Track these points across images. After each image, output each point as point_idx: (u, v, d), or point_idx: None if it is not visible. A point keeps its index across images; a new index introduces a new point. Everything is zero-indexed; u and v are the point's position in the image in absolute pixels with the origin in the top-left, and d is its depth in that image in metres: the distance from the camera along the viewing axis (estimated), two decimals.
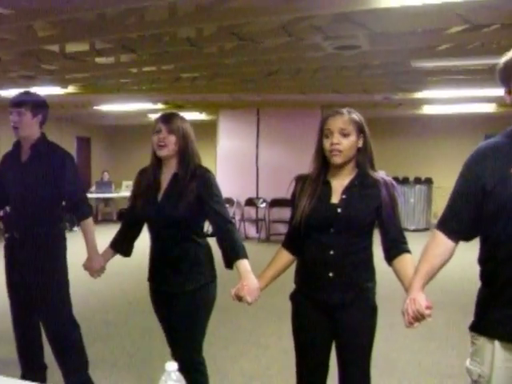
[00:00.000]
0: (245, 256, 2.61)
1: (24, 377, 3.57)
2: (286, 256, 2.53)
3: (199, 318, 2.75)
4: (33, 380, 3.47)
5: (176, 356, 2.82)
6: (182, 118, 2.79)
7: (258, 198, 11.29)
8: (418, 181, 12.76)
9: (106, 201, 14.42)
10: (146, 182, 2.81)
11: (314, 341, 2.43)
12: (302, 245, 2.43)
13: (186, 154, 2.72)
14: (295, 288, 2.49)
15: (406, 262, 2.29)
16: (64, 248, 3.47)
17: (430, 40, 5.16)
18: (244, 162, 11.28)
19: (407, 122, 13.15)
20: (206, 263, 2.76)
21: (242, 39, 5.07)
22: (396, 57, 5.89)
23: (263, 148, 11.22)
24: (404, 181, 12.66)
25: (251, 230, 11.41)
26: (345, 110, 2.34)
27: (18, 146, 3.44)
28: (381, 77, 7.31)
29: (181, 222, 2.69)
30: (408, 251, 2.33)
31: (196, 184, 2.67)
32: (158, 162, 2.79)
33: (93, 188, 14.04)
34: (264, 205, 11.18)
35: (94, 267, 3.08)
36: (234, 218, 11.06)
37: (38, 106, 3.38)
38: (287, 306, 2.53)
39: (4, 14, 4.59)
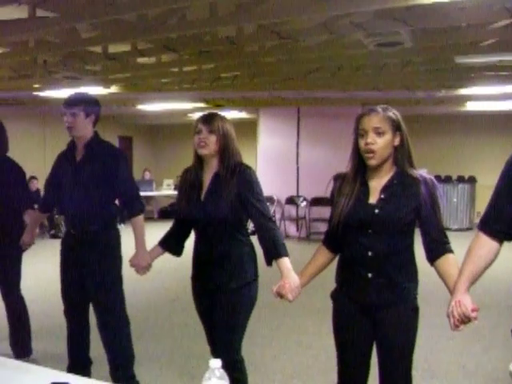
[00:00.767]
0: (286, 254, 2.61)
1: (70, 370, 3.66)
2: (325, 254, 2.52)
3: (240, 317, 2.76)
4: (79, 374, 3.57)
5: (216, 354, 2.84)
6: (223, 118, 2.81)
7: (298, 196, 11.26)
8: (461, 179, 12.50)
9: (147, 199, 14.56)
10: (190, 181, 2.85)
11: (355, 340, 2.40)
12: (342, 244, 2.41)
13: (226, 153, 2.74)
14: (336, 287, 2.47)
15: (449, 262, 2.24)
16: (118, 245, 3.55)
17: (474, 35, 5.04)
18: (284, 161, 11.26)
19: (450, 119, 12.90)
20: (249, 261, 2.78)
21: (282, 37, 5.06)
22: (439, 53, 5.78)
23: (304, 146, 11.18)
24: (446, 179, 12.42)
25: (291, 229, 11.38)
26: (379, 108, 2.29)
27: (72, 145, 3.54)
28: (423, 73, 7.19)
29: (223, 221, 2.71)
30: (451, 251, 2.28)
31: (237, 182, 2.68)
32: (200, 162, 2.83)
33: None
34: (304, 203, 11.15)
35: (140, 264, 3.14)
36: (274, 216, 11.03)
37: (91, 105, 3.47)
38: (328, 305, 2.51)
39: (49, 18, 4.70)
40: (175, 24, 4.93)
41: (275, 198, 11.28)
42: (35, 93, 8.30)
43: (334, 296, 2.47)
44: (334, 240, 2.46)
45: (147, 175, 14.52)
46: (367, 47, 5.12)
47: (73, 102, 3.39)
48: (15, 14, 4.86)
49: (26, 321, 4.25)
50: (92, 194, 3.39)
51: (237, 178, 2.69)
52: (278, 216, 11.22)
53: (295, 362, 4.34)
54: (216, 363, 1.51)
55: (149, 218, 13.90)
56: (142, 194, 13.24)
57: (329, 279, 2.52)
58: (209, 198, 2.75)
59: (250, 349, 4.24)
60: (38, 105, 10.48)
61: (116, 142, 15.10)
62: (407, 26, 4.36)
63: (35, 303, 4.78)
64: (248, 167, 2.78)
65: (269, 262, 2.65)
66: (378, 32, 4.59)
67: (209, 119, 2.76)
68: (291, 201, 11.32)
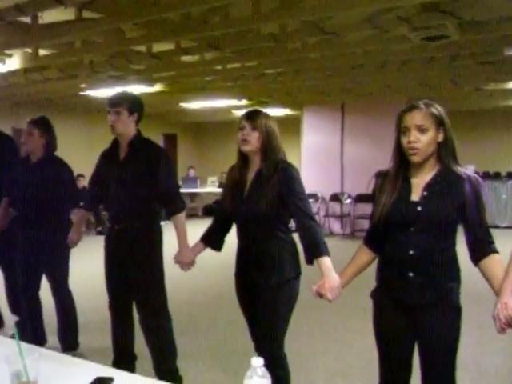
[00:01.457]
0: (326, 253, 2.59)
1: (115, 364, 3.72)
2: (366, 253, 2.47)
3: (281, 313, 2.76)
4: (123, 368, 3.63)
5: (259, 350, 2.84)
6: (266, 115, 2.81)
7: (342, 193, 11.17)
8: (510, 176, 12.14)
9: (192, 196, 14.73)
10: (233, 178, 2.86)
11: (396, 340, 2.36)
12: (383, 242, 2.36)
13: (269, 150, 2.73)
14: (376, 286, 2.43)
15: (495, 263, 2.17)
16: (160, 241, 3.60)
17: None
18: (329, 157, 11.19)
19: (499, 114, 12.55)
20: (289, 259, 2.76)
21: (325, 33, 5.02)
22: (487, 46, 5.62)
23: (348, 143, 11.07)
24: (495, 176, 12.09)
25: (336, 226, 11.30)
26: (421, 104, 2.22)
27: (115, 143, 3.59)
28: (471, 67, 7.00)
29: (264, 218, 2.70)
30: (496, 251, 2.21)
31: (278, 179, 2.67)
32: (243, 159, 2.83)
33: (179, 183, 14.38)
34: (349, 200, 11.05)
35: (184, 261, 3.16)
36: (318, 213, 11.03)
37: (134, 104, 3.50)
38: (370, 303, 2.47)
39: (94, 19, 4.78)
40: (218, 22, 4.95)
41: (319, 195, 11.22)
42: (82, 92, 8.47)
43: (374, 295, 2.43)
44: (375, 239, 2.42)
45: (191, 172, 14.65)
46: (413, 41, 5.03)
47: (116, 101, 3.44)
48: (62, 17, 4.97)
49: (74, 315, 4.34)
50: (134, 191, 3.44)
51: (278, 176, 2.68)
52: (322, 213, 11.16)
53: (338, 360, 4.31)
54: (258, 361, 1.50)
55: (193, 215, 14.03)
56: (187, 191, 13.47)
57: (374, 277, 2.47)
58: (250, 194, 2.76)
59: (294, 346, 4.23)
60: (84, 104, 10.73)
61: (161, 140, 15.31)
62: (454, 19, 4.25)
63: (83, 298, 4.88)
64: (290, 165, 2.76)
65: (309, 261, 2.63)
66: (423, 25, 4.49)
67: (252, 116, 2.77)
68: (335, 198, 11.23)
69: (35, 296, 4.33)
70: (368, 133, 10.73)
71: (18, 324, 4.56)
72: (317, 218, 10.77)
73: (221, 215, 3.01)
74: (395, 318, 2.32)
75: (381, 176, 2.37)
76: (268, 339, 2.80)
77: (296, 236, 2.75)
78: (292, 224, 2.81)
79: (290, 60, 6.57)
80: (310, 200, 11.03)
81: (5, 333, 4.79)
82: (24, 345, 1.79)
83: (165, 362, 3.61)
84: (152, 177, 3.42)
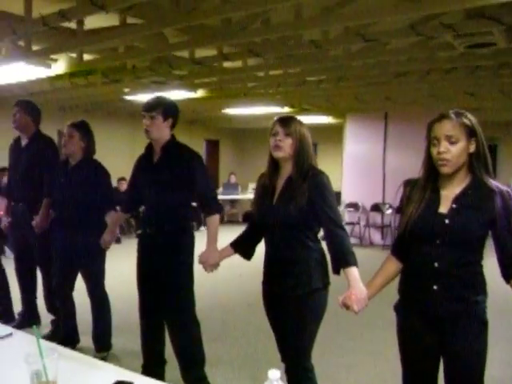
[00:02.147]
0: (354, 263, 2.52)
1: (144, 368, 3.73)
2: (394, 264, 2.40)
3: (308, 324, 2.69)
4: (152, 372, 3.64)
5: (285, 361, 2.79)
6: (300, 122, 2.76)
7: (384, 203, 10.98)
8: None
9: (232, 202, 14.77)
10: (263, 185, 2.82)
11: (421, 355, 2.28)
12: (408, 252, 2.29)
13: (301, 157, 2.67)
14: (399, 299, 2.36)
15: None
16: (192, 246, 3.59)
17: None
18: (371, 167, 11.03)
19: None
20: (317, 269, 2.68)
21: (368, 40, 4.93)
22: None
23: (390, 152, 10.90)
24: None
25: (376, 236, 11.12)
26: (452, 114, 2.13)
27: (149, 148, 3.62)
28: None
29: (293, 225, 2.65)
30: None
31: (308, 186, 2.61)
32: (274, 165, 2.78)
33: (220, 189, 14.46)
34: (390, 211, 10.86)
35: (209, 261, 3.13)
36: (358, 223, 10.89)
37: (169, 110, 3.52)
38: None
39: (137, 24, 4.84)
40: (259, 28, 4.93)
41: (360, 204, 11.07)
42: (125, 97, 8.59)
43: (397, 308, 2.37)
44: (402, 249, 2.34)
45: (233, 178, 14.69)
46: (457, 49, 4.90)
47: (151, 106, 3.47)
48: (106, 22, 5.05)
49: (109, 317, 4.39)
50: (168, 195, 3.45)
51: (308, 183, 2.62)
52: (362, 223, 11.01)
53: (371, 374, 4.20)
54: (275, 374, 1.45)
55: (233, 221, 14.06)
56: (227, 197, 13.54)
57: None
58: (280, 201, 2.70)
59: (325, 358, 4.16)
60: (127, 108, 10.88)
61: (203, 146, 15.42)
62: (500, 25, 4.11)
63: (119, 300, 4.93)
64: (321, 172, 2.70)
65: (336, 271, 2.58)
66: (468, 32, 4.37)
67: (286, 122, 2.72)
68: (377, 208, 11.06)
69: (69, 296, 4.40)
70: (411, 142, 10.50)
71: (52, 322, 4.64)
72: (357, 228, 10.74)
73: (254, 223, 2.96)
74: (420, 332, 2.25)
75: (409, 185, 2.31)
76: (294, 351, 2.74)
77: (325, 245, 2.69)
78: (321, 233, 2.75)
79: (332, 67, 6.50)
80: (350, 209, 10.92)
81: (40, 331, 4.87)
82: (45, 344, 1.79)
83: (192, 369, 3.60)
84: (185, 181, 3.43)
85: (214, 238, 3.39)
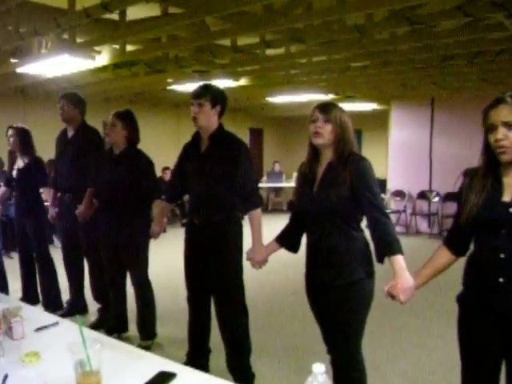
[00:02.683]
0: (400, 251, 2.43)
1: (189, 356, 3.75)
2: (446, 255, 2.30)
3: (354, 315, 2.61)
4: (197, 361, 3.66)
5: (332, 353, 2.74)
6: (340, 108, 2.68)
7: (430, 191, 10.75)
8: None
9: (277, 191, 14.75)
10: (303, 173, 2.76)
11: (482, 351, 2.15)
12: (467, 244, 2.19)
13: (341, 144, 2.59)
14: (462, 290, 2.23)
15: None
16: (240, 235, 3.57)
17: None
18: (417, 154, 10.80)
19: None
20: (359, 258, 2.60)
21: (414, 23, 4.79)
22: None
23: (437, 139, 10.64)
24: None
25: (423, 225, 10.90)
26: (508, 97, 2.00)
27: (197, 136, 3.60)
28: None
29: (333, 213, 2.57)
30: None
31: (349, 172, 2.53)
32: (315, 153, 2.71)
33: (264, 178, 14.45)
34: (437, 198, 10.62)
35: (256, 259, 3.09)
36: (404, 211, 10.71)
37: (217, 97, 3.50)
38: (455, 307, 2.28)
39: (179, 14, 4.83)
40: (301, 13, 4.85)
41: (406, 192, 10.86)
42: (169, 87, 8.63)
43: (460, 300, 2.23)
44: (458, 240, 2.25)
45: (277, 167, 14.66)
46: (509, 29, 4.71)
47: (199, 93, 3.45)
48: (148, 13, 5.07)
49: (153, 306, 4.42)
50: (215, 184, 3.43)
51: (350, 169, 2.53)
52: (408, 211, 10.81)
53: (417, 366, 4.11)
54: (319, 368, 1.41)
55: (278, 210, 14.04)
56: (272, 185, 13.53)
57: (459, 279, 2.29)
58: (320, 189, 2.63)
59: (371, 348, 4.07)
60: (172, 98, 10.95)
61: (247, 134, 15.41)
62: None
63: (163, 289, 4.97)
64: (363, 157, 2.60)
65: (380, 259, 2.49)
66: None
67: (326, 108, 2.64)
68: (423, 196, 10.83)
69: (120, 284, 4.46)
70: (459, 129, 10.25)
71: (99, 310, 4.71)
72: (403, 216, 10.55)
73: (296, 214, 2.89)
74: (482, 327, 2.13)
75: (469, 174, 2.17)
76: (342, 343, 2.67)
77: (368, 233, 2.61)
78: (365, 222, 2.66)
79: (376, 52, 6.37)
80: (396, 198, 10.73)
81: (87, 319, 4.98)
82: (89, 334, 1.80)
83: (238, 358, 3.60)
84: (232, 171, 3.40)
85: (258, 234, 3.35)
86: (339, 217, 2.58)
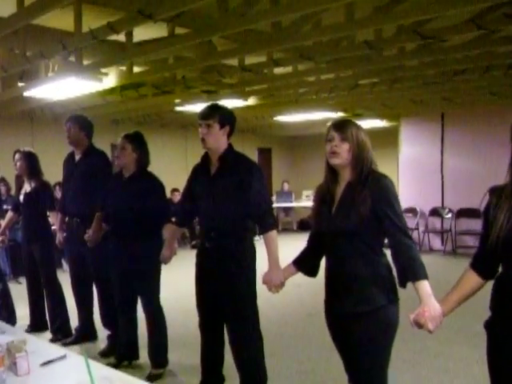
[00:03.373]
0: (425, 276, 2.28)
1: (202, 383, 3.62)
2: (474, 279, 2.15)
3: (377, 345, 2.45)
4: None
5: (353, 383, 2.60)
6: (357, 125, 2.54)
7: (443, 207, 10.60)
8: None
9: (286, 210, 14.63)
10: (321, 194, 2.63)
11: None
12: (496, 267, 2.05)
13: (360, 162, 2.46)
14: (492, 316, 2.08)
15: None
16: (253, 259, 3.47)
17: None
18: (428, 170, 10.67)
19: None
20: (381, 283, 2.44)
21: (424, 38, 4.72)
22: None
23: (449, 155, 10.51)
24: None
25: (436, 242, 10.72)
26: None
27: (206, 158, 3.52)
28: None
29: (354, 235, 2.43)
30: None
31: (371, 191, 2.39)
32: (332, 173, 2.58)
33: (273, 198, 14.34)
34: (450, 215, 10.46)
35: (273, 282, 2.94)
36: (417, 228, 10.55)
37: (226, 117, 3.43)
38: (480, 328, 2.13)
39: (185, 34, 4.78)
40: (310, 31, 4.79)
41: (418, 209, 10.70)
42: (176, 108, 8.59)
43: (489, 326, 2.08)
44: (486, 263, 2.10)
45: (286, 186, 14.56)
46: None
47: (207, 113, 3.37)
48: (154, 34, 5.02)
49: (164, 332, 4.29)
50: (226, 207, 3.34)
51: (370, 188, 2.40)
52: (421, 228, 10.64)
53: None
54: None
55: (288, 229, 13.91)
56: (281, 205, 13.43)
57: (481, 299, 2.15)
58: (339, 210, 2.49)
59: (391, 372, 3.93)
60: (179, 119, 10.91)
61: (255, 154, 15.34)
62: None
63: (174, 313, 4.85)
64: (384, 175, 2.47)
65: (403, 284, 2.35)
66: None
67: (342, 126, 2.51)
68: (436, 212, 10.67)
69: (131, 311, 4.33)
70: (470, 144, 10.13)
71: (109, 337, 4.59)
72: (415, 233, 10.39)
73: (314, 237, 2.75)
74: None
75: (496, 192, 2.03)
76: (365, 374, 2.51)
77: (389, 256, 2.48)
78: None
79: (385, 68, 6.30)
80: (408, 215, 10.59)
81: (96, 346, 4.86)
82: (97, 371, 1.69)
83: None
84: (244, 192, 3.30)
85: (275, 256, 3.24)
86: (360, 239, 2.43)
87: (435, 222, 10.71)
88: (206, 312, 3.57)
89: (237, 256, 3.38)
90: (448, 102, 9.00)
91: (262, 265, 3.20)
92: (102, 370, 2.04)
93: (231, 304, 3.41)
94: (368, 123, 11.50)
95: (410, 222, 10.78)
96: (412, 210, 10.68)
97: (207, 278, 3.48)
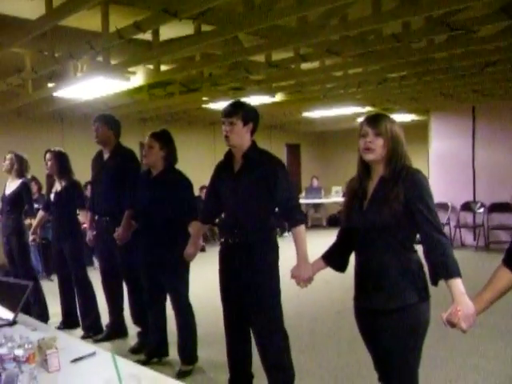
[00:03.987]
0: (458, 274, 2.23)
1: (231, 382, 3.63)
2: (507, 276, 2.10)
3: (407, 343, 2.41)
4: None
5: (383, 381, 2.56)
6: (390, 119, 2.49)
7: (475, 202, 10.42)
8: None
9: (316, 206, 14.56)
10: (353, 189, 2.60)
11: None
12: None
13: (394, 157, 2.41)
14: None
15: None
16: (277, 256, 3.47)
17: None
18: (459, 164, 10.49)
19: None
20: (412, 280, 2.39)
21: (453, 29, 4.63)
22: None
23: (480, 148, 10.32)
24: None
25: (468, 237, 10.56)
26: None
27: (229, 155, 3.52)
28: None
29: (385, 230, 2.38)
30: None
31: (403, 186, 2.34)
32: (365, 168, 2.54)
33: (302, 194, 14.30)
34: (482, 209, 10.28)
35: (302, 276, 2.91)
36: (448, 223, 10.39)
37: (249, 114, 3.42)
38: None
39: (210, 31, 4.78)
40: (336, 25, 4.75)
41: (449, 204, 10.54)
42: (204, 105, 8.61)
43: None
44: None
45: (315, 182, 14.48)
46: None
47: (230, 111, 3.37)
48: (181, 32, 5.04)
49: (194, 330, 4.31)
50: (250, 204, 3.34)
51: (404, 182, 2.35)
52: (452, 223, 10.48)
53: None
54: None
55: (317, 226, 13.84)
56: (310, 201, 13.37)
57: None
58: (371, 205, 2.45)
59: (423, 371, 3.85)
60: (207, 117, 10.94)
61: (284, 150, 15.31)
62: None
63: (204, 310, 4.86)
64: (417, 170, 2.42)
65: (434, 281, 2.30)
66: None
67: (375, 121, 2.46)
68: (467, 207, 10.50)
69: (160, 308, 4.36)
70: (503, 137, 9.93)
71: (139, 334, 4.63)
72: (447, 228, 10.24)
73: (344, 232, 2.71)
74: None
75: None
76: (395, 372, 2.47)
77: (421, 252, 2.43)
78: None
79: (414, 62, 6.20)
80: (439, 210, 10.43)
81: (127, 343, 4.91)
82: (126, 368, 1.70)
83: (281, 383, 3.43)
84: (268, 190, 3.30)
85: (303, 250, 3.22)
86: (391, 235, 2.39)
87: (467, 217, 10.54)
88: (229, 309, 3.56)
89: (260, 253, 3.37)
90: (479, 94, 8.84)
91: (290, 261, 3.17)
92: (130, 367, 2.05)
93: (255, 302, 3.40)
94: (397, 118, 11.35)
95: (441, 216, 10.61)
96: (443, 205, 10.53)
97: (230, 274, 3.48)
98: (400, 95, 8.95)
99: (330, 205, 14.22)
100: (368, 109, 10.16)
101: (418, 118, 11.84)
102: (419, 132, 11.43)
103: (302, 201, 14.02)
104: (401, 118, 11.40)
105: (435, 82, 7.53)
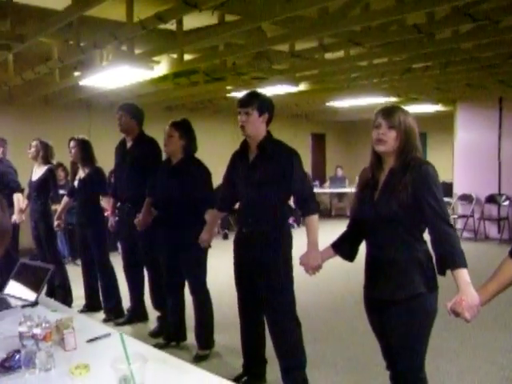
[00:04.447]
0: (464, 264, 2.26)
1: (245, 368, 3.71)
2: None
3: (414, 332, 2.45)
4: (253, 372, 3.61)
5: (391, 369, 2.61)
6: (405, 112, 2.51)
7: (500, 194, 10.30)
8: None
9: (340, 196, 14.55)
10: (364, 179, 2.64)
11: None
12: None
13: (406, 149, 2.44)
14: None
15: None
16: (290, 246, 3.52)
17: None
18: (484, 156, 10.37)
19: None
20: (420, 270, 2.42)
21: (478, 19, 4.59)
22: None
23: (507, 140, 10.18)
24: None
25: (492, 230, 10.45)
26: None
27: (244, 145, 3.58)
28: None
29: (394, 221, 2.42)
30: None
31: (411, 177, 2.37)
32: (377, 159, 2.57)
33: (327, 183, 14.29)
34: (507, 202, 10.16)
35: (310, 264, 2.97)
36: (472, 216, 10.32)
37: (264, 105, 3.46)
38: None
39: (233, 21, 4.82)
40: (359, 15, 4.75)
41: (474, 196, 10.45)
42: (228, 94, 8.66)
43: None
44: None
45: (339, 172, 14.47)
46: None
47: (246, 101, 3.42)
48: (205, 22, 5.09)
49: (211, 315, 4.40)
50: (264, 193, 3.39)
51: (412, 174, 2.38)
52: (476, 216, 10.39)
53: (484, 382, 3.86)
54: None
55: (341, 215, 13.83)
56: (335, 190, 13.32)
57: None
58: (381, 196, 2.48)
59: (434, 363, 3.91)
60: (231, 106, 10.97)
61: (309, 139, 15.31)
62: None
63: (221, 296, 4.94)
64: (426, 161, 2.44)
65: (441, 271, 2.33)
66: None
67: (389, 113, 2.48)
68: (492, 199, 10.39)
69: (179, 293, 4.46)
70: None
71: (159, 319, 4.73)
72: (470, 220, 10.15)
73: (355, 221, 2.76)
74: None
75: None
76: (402, 360, 2.52)
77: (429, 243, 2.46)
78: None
79: (439, 52, 6.15)
80: (463, 201, 10.36)
81: (147, 327, 5.03)
82: (135, 348, 1.77)
83: (293, 370, 3.51)
84: (283, 179, 3.35)
85: (314, 239, 3.27)
86: (400, 226, 2.43)
87: (491, 210, 10.44)
88: (243, 296, 3.64)
89: (273, 242, 3.42)
90: (506, 85, 8.72)
91: (301, 250, 3.23)
92: (137, 346, 2.14)
93: (268, 290, 3.46)
94: (422, 108, 11.28)
95: (466, 208, 10.56)
96: (467, 197, 10.45)
97: (244, 263, 3.55)
98: (425, 85, 8.88)
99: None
100: (393, 99, 10.09)
101: (444, 108, 11.72)
102: (445, 122, 11.35)
103: (326, 190, 14.04)
104: (426, 108, 11.31)
105: (460, 72, 7.46)
